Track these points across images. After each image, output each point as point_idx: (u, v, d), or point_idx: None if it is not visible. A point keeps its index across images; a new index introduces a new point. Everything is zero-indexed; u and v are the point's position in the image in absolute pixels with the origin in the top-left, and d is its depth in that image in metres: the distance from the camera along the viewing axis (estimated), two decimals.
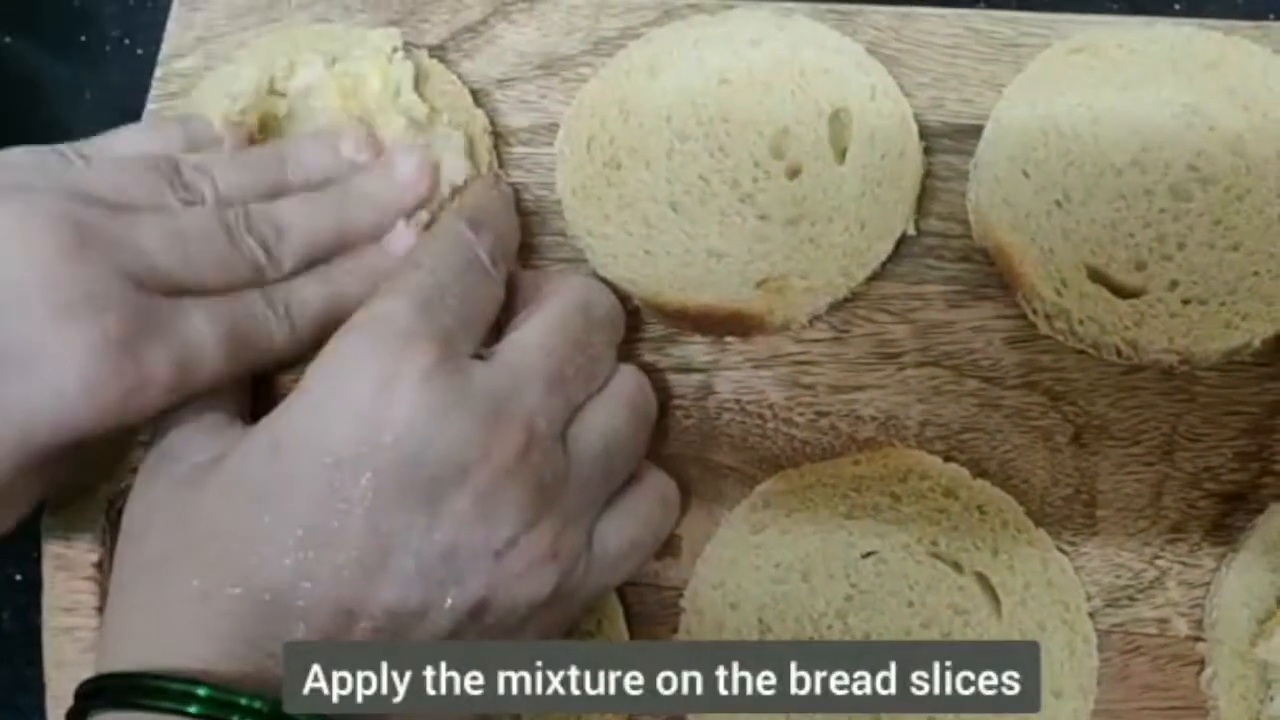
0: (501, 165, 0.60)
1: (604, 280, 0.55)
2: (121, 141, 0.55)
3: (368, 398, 0.45)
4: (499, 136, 0.60)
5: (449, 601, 0.45)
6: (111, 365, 0.47)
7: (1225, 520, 0.52)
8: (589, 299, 0.52)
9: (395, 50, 0.59)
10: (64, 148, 0.52)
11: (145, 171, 0.52)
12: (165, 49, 0.64)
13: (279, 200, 0.54)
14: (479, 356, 0.49)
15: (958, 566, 0.52)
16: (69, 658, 0.54)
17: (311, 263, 0.54)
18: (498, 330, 0.51)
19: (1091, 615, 0.51)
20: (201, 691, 0.42)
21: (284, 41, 0.60)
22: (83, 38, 0.67)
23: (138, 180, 0.52)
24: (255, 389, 0.55)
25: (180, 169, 0.53)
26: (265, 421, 0.47)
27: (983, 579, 0.51)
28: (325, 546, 0.44)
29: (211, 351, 0.50)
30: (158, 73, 0.63)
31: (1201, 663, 0.51)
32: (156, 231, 0.50)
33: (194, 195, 0.53)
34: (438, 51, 0.61)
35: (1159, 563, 0.52)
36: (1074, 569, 0.52)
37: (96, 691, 0.44)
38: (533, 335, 0.50)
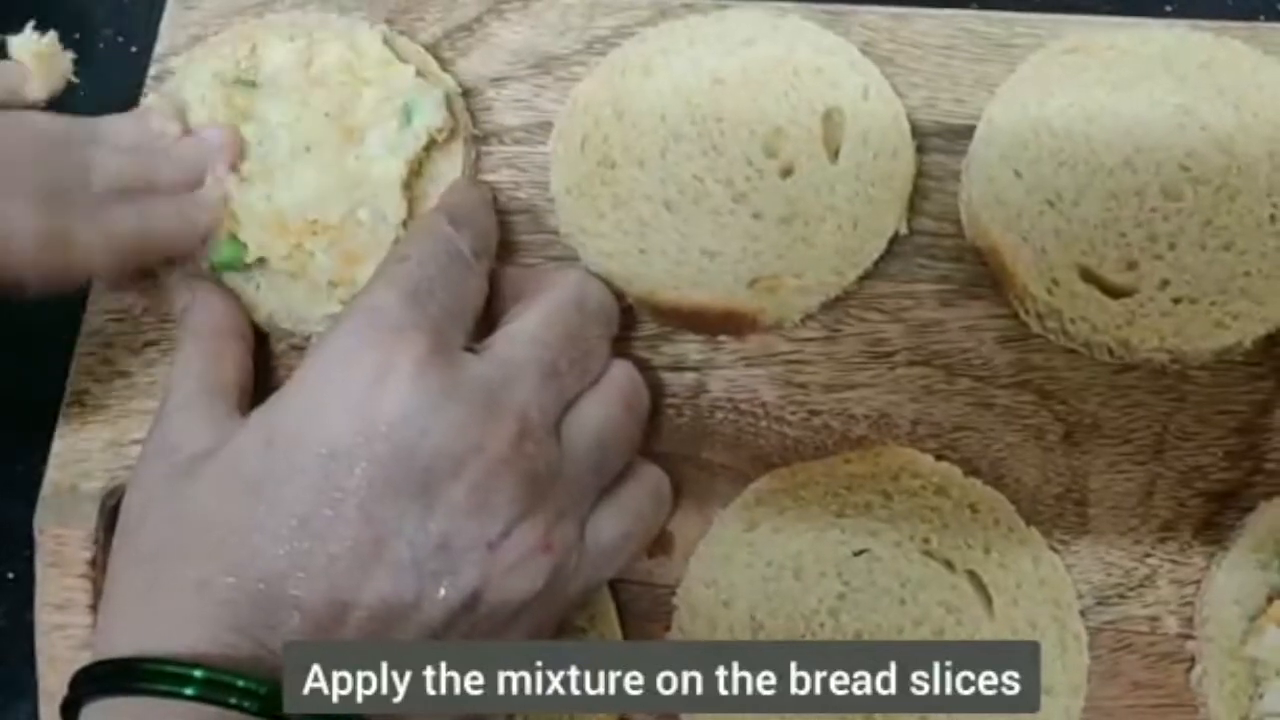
0: (479, 129, 0.60)
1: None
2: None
3: (362, 389, 0.46)
4: (493, 135, 0.60)
5: (442, 592, 0.45)
6: None
7: (1216, 519, 0.52)
8: (583, 293, 0.53)
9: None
10: None
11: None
12: (159, 46, 0.64)
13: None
14: (471, 350, 0.49)
15: (949, 564, 0.52)
16: (62, 654, 0.54)
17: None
18: (490, 328, 0.51)
19: (1083, 613, 0.51)
20: (198, 674, 0.42)
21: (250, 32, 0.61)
22: (76, 35, 0.67)
23: None
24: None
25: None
26: (259, 413, 0.48)
27: (974, 577, 0.52)
28: (319, 537, 0.44)
29: (26, 241, 0.52)
30: (152, 70, 0.63)
31: (1192, 660, 0.51)
32: None
33: None
34: (431, 50, 0.61)
35: (1150, 561, 0.52)
36: (1065, 567, 0.52)
37: (91, 679, 0.44)
38: (526, 328, 0.50)
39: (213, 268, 0.57)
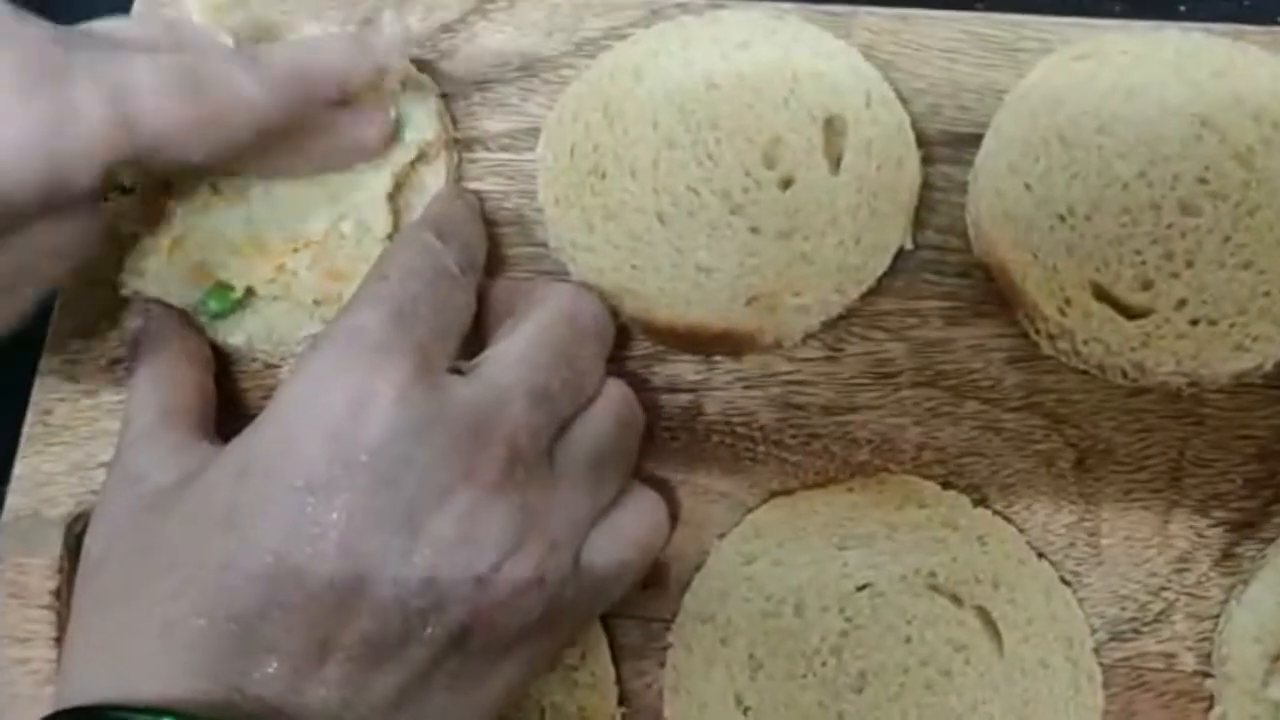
0: (463, 134, 0.58)
1: None
2: (104, 28, 0.53)
3: (341, 416, 0.44)
4: (477, 142, 0.58)
5: (429, 630, 0.43)
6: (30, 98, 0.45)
7: (1235, 550, 0.51)
8: (575, 308, 0.51)
9: None
10: None
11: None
12: None
13: None
14: (458, 371, 0.47)
15: (957, 599, 0.50)
16: (24, 690, 0.52)
17: None
18: (480, 345, 0.49)
19: (1096, 650, 0.50)
20: None
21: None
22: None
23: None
24: (223, 410, 0.54)
25: None
26: (234, 443, 0.46)
27: (983, 613, 0.50)
28: (296, 574, 0.42)
29: (155, 97, 0.47)
30: None
31: (1210, 700, 0.49)
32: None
33: None
34: None
35: (1165, 594, 0.51)
36: (1078, 601, 0.50)
37: None
38: (515, 348, 0.48)
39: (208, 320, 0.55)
